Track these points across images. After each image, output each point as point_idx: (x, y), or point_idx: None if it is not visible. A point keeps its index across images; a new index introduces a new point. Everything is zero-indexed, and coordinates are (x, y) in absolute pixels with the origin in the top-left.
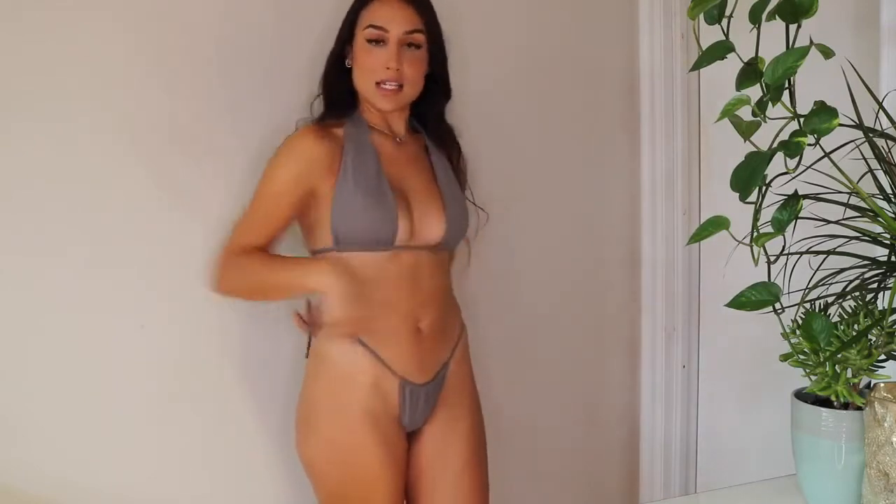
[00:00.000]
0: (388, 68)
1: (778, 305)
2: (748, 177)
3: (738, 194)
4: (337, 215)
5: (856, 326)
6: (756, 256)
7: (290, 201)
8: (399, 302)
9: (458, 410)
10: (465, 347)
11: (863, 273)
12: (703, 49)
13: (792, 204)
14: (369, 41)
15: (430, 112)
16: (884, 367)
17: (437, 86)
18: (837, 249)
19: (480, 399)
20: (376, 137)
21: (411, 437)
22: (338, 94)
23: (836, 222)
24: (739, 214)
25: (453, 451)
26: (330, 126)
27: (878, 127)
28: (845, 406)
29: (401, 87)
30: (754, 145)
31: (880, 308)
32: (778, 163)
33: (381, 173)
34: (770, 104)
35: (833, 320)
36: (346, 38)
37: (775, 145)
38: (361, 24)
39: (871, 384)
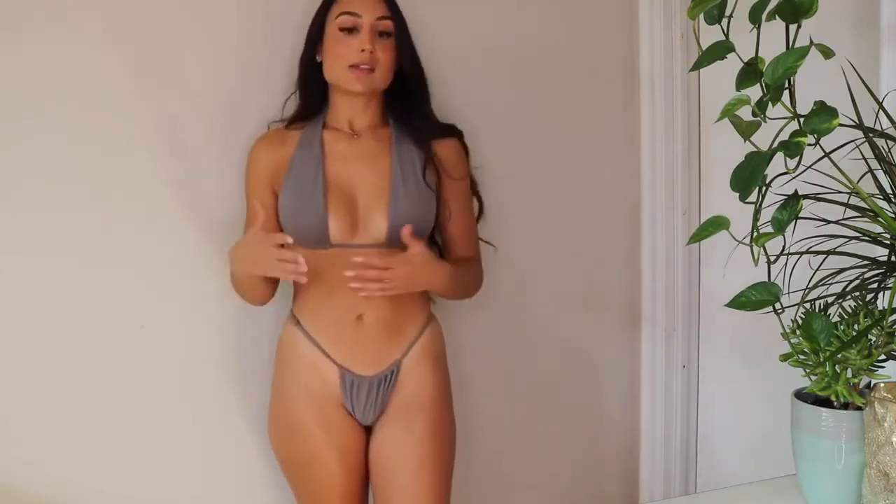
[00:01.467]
0: (362, 51)
1: (778, 305)
2: (748, 177)
3: (738, 194)
4: (281, 214)
5: (856, 326)
6: (756, 256)
7: (259, 201)
8: (340, 293)
9: (414, 411)
10: (428, 347)
11: (863, 273)
12: (703, 49)
13: (792, 204)
14: (342, 29)
15: (398, 106)
16: (884, 367)
17: (405, 81)
18: (837, 249)
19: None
20: (329, 135)
21: (369, 433)
22: (311, 92)
23: (836, 222)
24: (739, 214)
25: (406, 453)
26: (291, 128)
27: (878, 127)
28: (845, 406)
29: (373, 70)
30: (754, 145)
31: (880, 308)
32: (778, 163)
33: (320, 173)
34: (770, 104)
35: (833, 320)
36: (316, 35)
37: (775, 145)
38: (333, 15)
39: (871, 384)
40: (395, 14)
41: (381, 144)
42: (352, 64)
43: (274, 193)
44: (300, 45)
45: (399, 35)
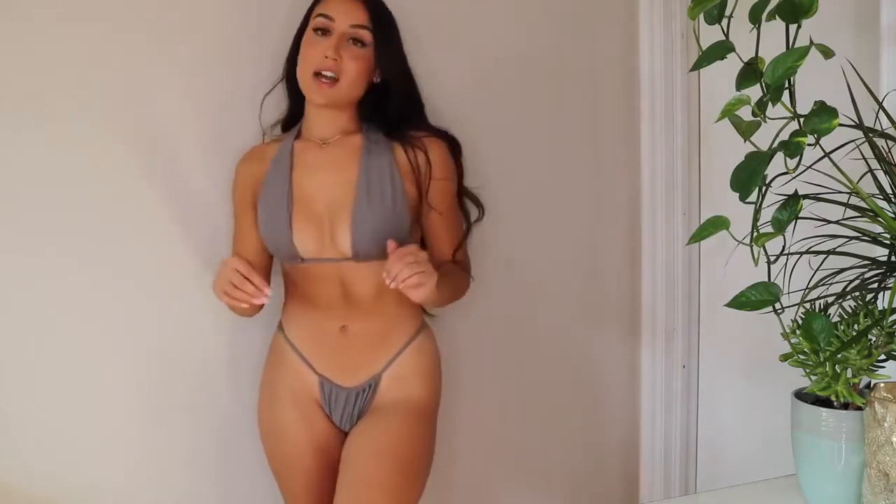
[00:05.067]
0: (325, 56)
1: (778, 305)
2: (748, 177)
3: (738, 194)
4: (258, 232)
5: (856, 326)
6: (756, 256)
7: (245, 217)
8: (323, 305)
9: (390, 417)
10: (415, 360)
11: (863, 273)
12: (703, 49)
13: (792, 204)
14: (315, 30)
15: (375, 116)
16: (884, 367)
17: (388, 90)
18: (837, 249)
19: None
20: (299, 145)
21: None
22: (295, 100)
23: (836, 222)
24: (739, 214)
25: (368, 453)
26: (273, 142)
27: (878, 127)
28: (845, 406)
29: (336, 80)
30: (754, 145)
31: (880, 308)
32: (778, 163)
33: (287, 186)
34: (770, 104)
35: (833, 320)
36: (299, 40)
37: (775, 145)
38: (313, 14)
39: (871, 384)
40: (377, 24)
41: (349, 154)
42: (316, 70)
43: (255, 209)
44: (286, 44)
45: (380, 46)
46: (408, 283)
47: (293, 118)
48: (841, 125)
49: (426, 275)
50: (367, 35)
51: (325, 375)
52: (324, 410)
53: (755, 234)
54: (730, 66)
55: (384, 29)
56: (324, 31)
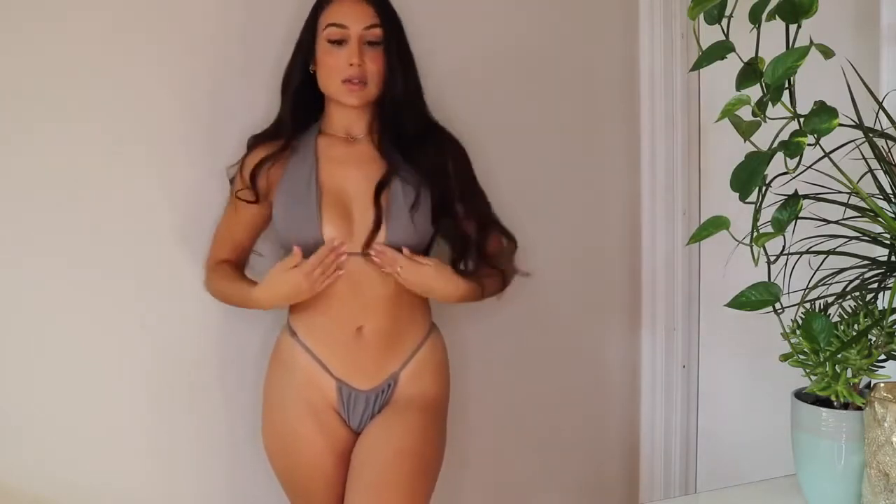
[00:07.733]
0: (351, 64)
1: (778, 305)
2: (748, 177)
3: (738, 194)
4: (275, 221)
5: (856, 326)
6: (756, 256)
7: (250, 207)
8: (338, 305)
9: (406, 408)
10: (428, 359)
11: (863, 273)
12: (703, 49)
13: (792, 204)
14: (331, 41)
15: (390, 109)
16: (884, 367)
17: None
18: (837, 249)
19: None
20: (324, 140)
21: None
22: (299, 101)
23: (836, 222)
24: (739, 214)
25: (386, 455)
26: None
27: (878, 127)
28: (845, 406)
29: (365, 82)
30: (754, 145)
31: (880, 308)
32: (778, 163)
33: (312, 178)
34: (770, 104)
35: (833, 320)
36: (307, 44)
37: (775, 145)
38: (321, 27)
39: (871, 384)
40: (385, 19)
41: (377, 151)
42: (344, 78)
43: (266, 201)
44: (284, 51)
45: (388, 39)
46: (383, 260)
47: (280, 125)
48: (841, 125)
49: (408, 268)
50: (379, 32)
51: (343, 379)
52: (340, 416)
53: (755, 234)
54: (730, 66)
55: (392, 22)
56: (340, 41)
